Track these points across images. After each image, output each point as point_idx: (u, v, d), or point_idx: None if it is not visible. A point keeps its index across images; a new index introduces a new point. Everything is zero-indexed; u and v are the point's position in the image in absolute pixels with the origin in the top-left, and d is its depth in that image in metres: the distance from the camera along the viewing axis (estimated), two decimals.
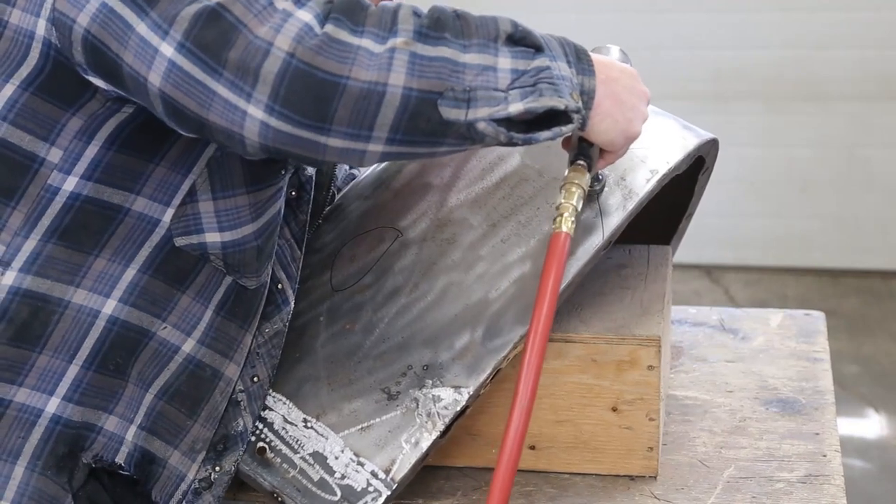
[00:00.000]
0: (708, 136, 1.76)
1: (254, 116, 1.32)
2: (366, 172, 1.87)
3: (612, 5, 4.88)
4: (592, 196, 1.65)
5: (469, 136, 1.37)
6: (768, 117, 4.85)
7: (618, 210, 1.64)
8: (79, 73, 1.42)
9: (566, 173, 1.52)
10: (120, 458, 1.52)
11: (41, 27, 1.42)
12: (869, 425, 3.96)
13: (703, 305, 2.29)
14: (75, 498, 1.48)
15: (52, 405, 1.47)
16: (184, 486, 1.59)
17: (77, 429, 1.49)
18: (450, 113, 1.34)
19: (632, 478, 1.72)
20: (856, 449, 3.76)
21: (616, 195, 1.65)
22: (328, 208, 1.83)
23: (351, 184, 1.89)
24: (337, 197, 1.85)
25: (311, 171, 1.69)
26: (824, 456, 1.76)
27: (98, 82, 1.42)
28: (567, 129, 1.41)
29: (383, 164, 1.84)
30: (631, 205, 1.64)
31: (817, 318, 2.16)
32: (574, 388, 1.70)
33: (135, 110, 1.45)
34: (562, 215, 1.49)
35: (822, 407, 1.89)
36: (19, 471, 1.45)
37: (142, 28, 1.34)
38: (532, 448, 1.73)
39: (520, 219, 1.69)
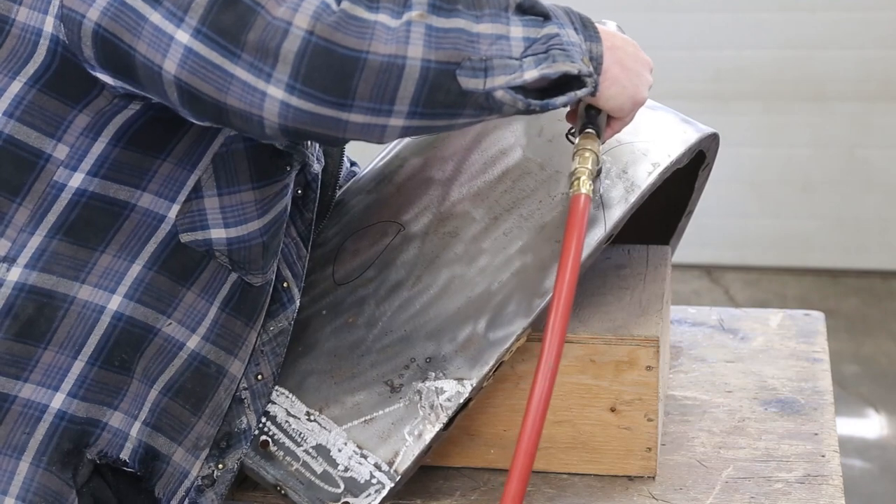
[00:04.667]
0: (708, 130, 1.77)
1: (273, 97, 1.32)
2: (368, 167, 1.87)
3: (612, 5, 4.86)
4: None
5: (487, 106, 1.37)
6: (768, 117, 4.85)
7: (620, 203, 1.64)
8: (86, 69, 1.42)
9: (577, 140, 1.51)
10: (124, 455, 1.52)
11: (49, 24, 1.42)
12: (869, 425, 3.96)
13: (703, 305, 2.28)
14: (79, 494, 1.48)
15: (57, 401, 1.47)
16: (187, 483, 1.59)
17: (82, 425, 1.48)
18: (468, 83, 1.35)
19: (630, 478, 1.72)
20: (856, 449, 3.76)
21: (618, 188, 1.66)
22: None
23: (353, 178, 1.89)
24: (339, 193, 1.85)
25: (317, 168, 1.69)
26: (823, 456, 1.76)
27: (106, 78, 1.42)
28: (582, 93, 1.42)
29: (385, 159, 1.84)
30: (633, 197, 1.65)
31: (817, 319, 2.16)
32: (572, 388, 1.70)
33: (141, 107, 1.45)
34: (578, 179, 1.48)
35: (821, 407, 1.89)
36: (24, 466, 1.45)
37: (155, 17, 1.34)
38: None
39: (522, 212, 1.69)
